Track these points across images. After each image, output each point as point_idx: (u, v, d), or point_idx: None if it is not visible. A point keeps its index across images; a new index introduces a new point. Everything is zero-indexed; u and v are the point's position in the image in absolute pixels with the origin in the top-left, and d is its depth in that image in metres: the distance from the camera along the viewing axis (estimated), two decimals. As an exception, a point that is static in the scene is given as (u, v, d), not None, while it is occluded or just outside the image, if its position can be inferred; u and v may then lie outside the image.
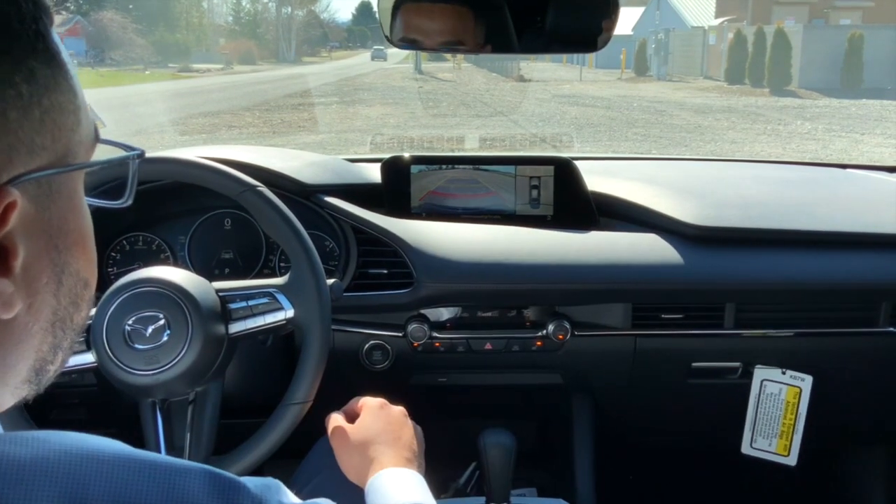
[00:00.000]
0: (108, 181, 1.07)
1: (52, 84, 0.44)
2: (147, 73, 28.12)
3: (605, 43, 1.17)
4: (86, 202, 0.51)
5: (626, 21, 34.32)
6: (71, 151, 0.46)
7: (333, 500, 0.56)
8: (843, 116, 13.52)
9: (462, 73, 23.25)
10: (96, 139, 0.51)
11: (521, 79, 22.60)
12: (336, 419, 1.05)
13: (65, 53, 0.46)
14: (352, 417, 1.05)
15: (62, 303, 0.48)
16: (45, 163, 0.44)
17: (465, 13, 1.16)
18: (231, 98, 16.40)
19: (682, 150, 9.47)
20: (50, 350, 0.48)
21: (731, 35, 22.66)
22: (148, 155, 1.18)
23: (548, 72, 25.15)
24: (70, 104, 0.46)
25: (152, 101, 15.99)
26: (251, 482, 0.47)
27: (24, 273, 0.44)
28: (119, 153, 0.57)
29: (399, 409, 1.05)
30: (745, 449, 1.48)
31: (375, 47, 43.73)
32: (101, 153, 0.53)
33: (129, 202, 0.57)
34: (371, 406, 1.04)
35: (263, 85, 20.84)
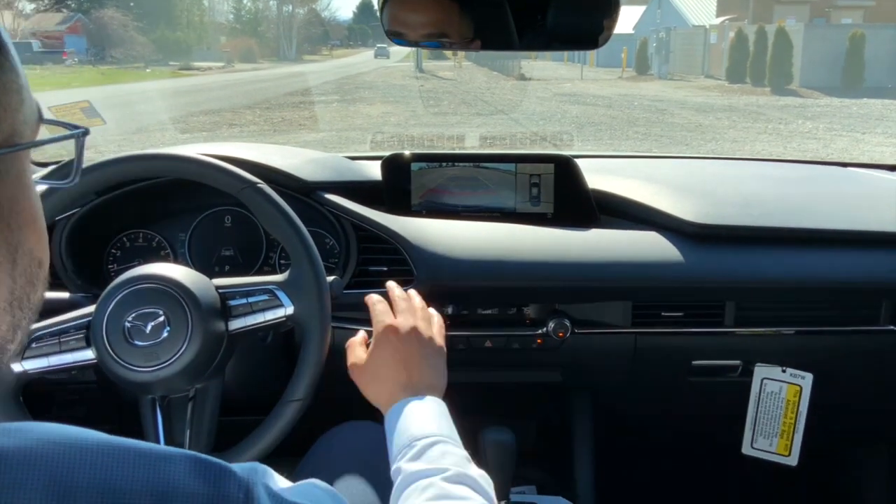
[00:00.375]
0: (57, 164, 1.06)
1: None
2: (148, 70, 28.12)
3: (606, 41, 1.17)
4: (34, 183, 0.51)
5: (628, 20, 34.31)
6: (16, 131, 0.47)
7: (336, 500, 0.56)
8: (844, 115, 13.51)
9: (463, 71, 23.24)
10: (40, 119, 0.51)
11: (522, 77, 22.60)
12: (353, 348, 1.07)
13: (4, 34, 0.47)
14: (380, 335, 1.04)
15: (18, 282, 0.48)
16: None
17: (450, 6, 1.17)
18: (232, 96, 16.40)
19: (682, 148, 9.47)
20: (9, 329, 0.48)
21: (732, 34, 22.65)
22: (148, 151, 1.19)
23: (549, 70, 25.15)
24: (13, 84, 0.46)
25: (153, 99, 16.00)
26: (238, 467, 0.48)
27: None
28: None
29: (413, 327, 1.03)
30: (746, 449, 1.48)
31: (378, 45, 43.78)
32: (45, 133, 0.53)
33: (76, 181, 0.57)
34: (382, 334, 1.03)
35: (264, 83, 20.84)
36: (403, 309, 1.07)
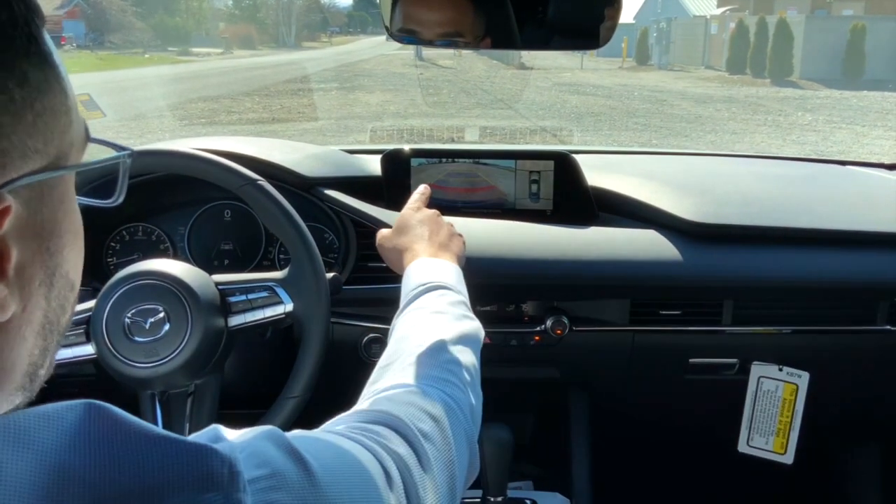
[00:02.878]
0: (96, 179, 1.07)
1: (44, 87, 0.44)
2: (146, 56, 27.99)
3: (607, 40, 1.16)
4: (76, 203, 0.51)
5: (628, 9, 34.19)
6: (63, 153, 0.46)
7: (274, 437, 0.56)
8: (843, 108, 13.49)
9: (463, 60, 23.14)
10: (87, 139, 0.50)
11: (523, 66, 22.52)
12: (382, 232, 1.17)
13: (56, 54, 0.46)
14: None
15: (52, 305, 0.48)
16: (37, 166, 0.44)
17: (465, 4, 1.16)
18: (230, 83, 16.34)
19: (682, 140, 9.47)
20: (41, 354, 0.48)
21: (733, 25, 22.58)
22: (148, 147, 1.19)
23: (549, 59, 25.03)
24: (62, 106, 0.46)
25: (151, 85, 15.94)
26: (202, 437, 0.49)
27: (17, 276, 0.43)
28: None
29: (433, 212, 1.16)
30: (742, 447, 1.49)
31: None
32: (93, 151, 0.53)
33: (120, 200, 0.57)
34: (407, 210, 1.16)
35: (263, 70, 20.76)
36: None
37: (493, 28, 1.20)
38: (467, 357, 0.85)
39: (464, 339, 0.87)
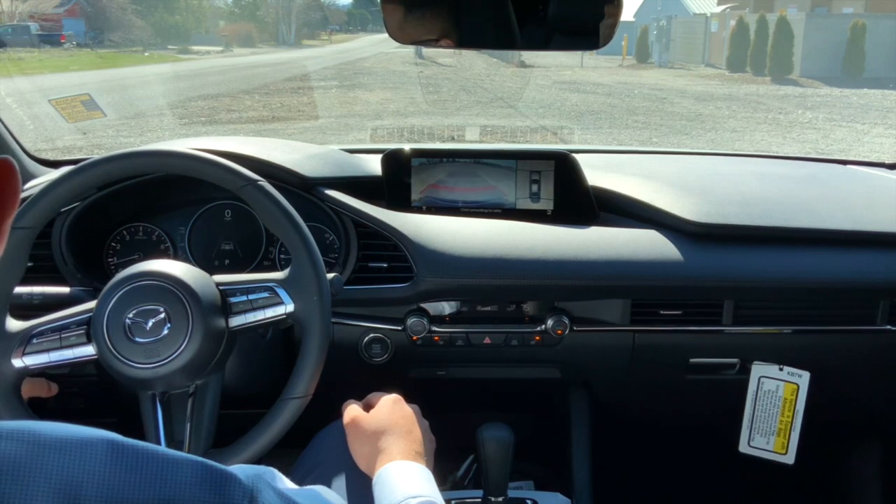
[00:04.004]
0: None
1: None
2: (146, 54, 27.95)
3: (608, 39, 1.16)
4: None
5: (629, 7, 34.16)
6: None
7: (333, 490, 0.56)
8: (844, 106, 13.47)
9: (462, 58, 23.11)
10: None
11: (522, 64, 22.49)
12: (353, 408, 1.09)
13: None
14: (367, 409, 1.09)
15: None
16: None
17: (452, 11, 1.16)
18: (230, 81, 16.32)
19: (682, 138, 9.45)
20: None
21: (733, 22, 22.54)
22: (148, 147, 1.19)
23: (549, 57, 24.99)
24: None
25: (151, 83, 15.91)
26: (243, 473, 0.48)
27: None
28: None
29: (413, 407, 1.09)
30: (743, 447, 1.49)
31: None
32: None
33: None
34: (386, 400, 1.08)
35: (263, 68, 20.72)
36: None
37: (487, 28, 1.20)
38: None
39: None
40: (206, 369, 1.08)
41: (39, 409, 1.16)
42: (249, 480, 0.47)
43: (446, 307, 1.43)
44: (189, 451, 0.99)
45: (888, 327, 1.42)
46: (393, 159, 1.49)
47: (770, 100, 14.46)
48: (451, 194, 1.50)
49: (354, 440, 1.06)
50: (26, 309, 1.21)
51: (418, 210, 1.48)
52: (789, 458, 1.47)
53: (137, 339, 1.03)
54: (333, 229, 1.43)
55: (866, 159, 1.99)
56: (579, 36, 1.24)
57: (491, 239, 1.36)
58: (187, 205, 1.48)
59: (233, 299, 1.11)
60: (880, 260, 1.38)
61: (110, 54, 25.56)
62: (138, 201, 1.45)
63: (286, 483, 0.52)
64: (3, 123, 1.61)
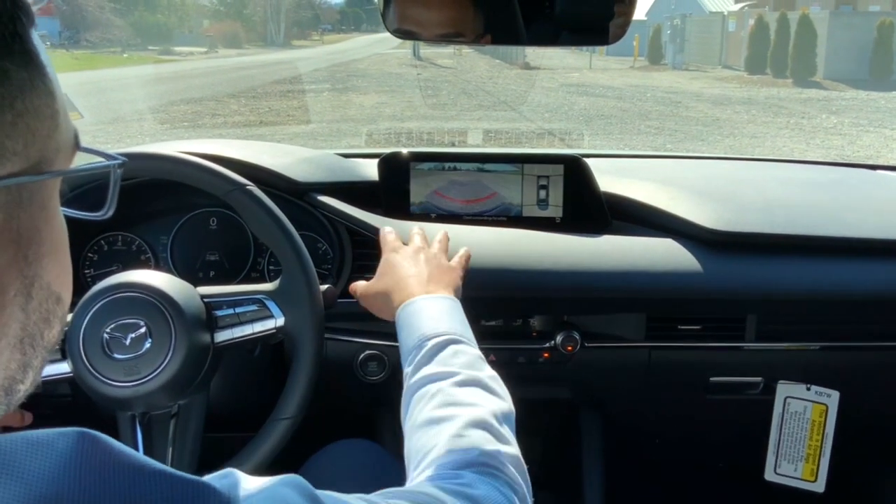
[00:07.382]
0: (78, 186, 1.07)
1: (27, 87, 0.44)
2: (125, 56, 28.08)
3: (620, 37, 1.16)
4: (61, 212, 0.51)
5: (640, 5, 34.25)
6: (45, 158, 0.46)
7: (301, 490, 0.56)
8: (871, 110, 13.53)
9: (463, 59, 23.23)
10: (76, 146, 0.51)
11: (527, 66, 22.59)
12: (358, 284, 1.15)
13: (44, 55, 0.46)
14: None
15: (32, 318, 0.48)
16: (16, 169, 0.44)
17: (465, 3, 1.16)
18: (215, 84, 16.38)
19: (698, 144, 9.49)
20: (19, 368, 0.48)
21: (752, 21, 22.67)
22: (129, 150, 1.19)
23: (556, 59, 25.13)
24: (47, 108, 0.46)
25: (130, 86, 15.98)
26: (217, 481, 0.48)
27: None
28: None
29: (416, 246, 1.15)
30: (769, 475, 1.48)
31: None
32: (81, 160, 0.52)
33: (110, 214, 0.57)
34: (387, 251, 1.15)
35: (250, 70, 20.83)
36: (414, 234, 1.19)
37: (493, 23, 1.21)
38: (510, 449, 0.81)
39: (504, 418, 0.86)
40: (190, 388, 1.08)
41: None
42: (225, 488, 0.47)
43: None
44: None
45: (922, 343, 1.42)
46: (390, 164, 1.49)
47: (792, 103, 14.52)
48: (452, 201, 1.50)
49: (370, 301, 1.12)
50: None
51: (417, 217, 1.47)
52: (819, 486, 1.46)
53: (116, 356, 1.03)
54: (327, 238, 1.43)
55: (896, 164, 1.99)
56: (588, 32, 1.25)
57: (495, 248, 1.36)
58: (170, 212, 1.47)
59: (219, 312, 1.11)
60: None
61: (87, 55, 25.68)
62: (117, 209, 1.45)
63: (250, 482, 0.52)
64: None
